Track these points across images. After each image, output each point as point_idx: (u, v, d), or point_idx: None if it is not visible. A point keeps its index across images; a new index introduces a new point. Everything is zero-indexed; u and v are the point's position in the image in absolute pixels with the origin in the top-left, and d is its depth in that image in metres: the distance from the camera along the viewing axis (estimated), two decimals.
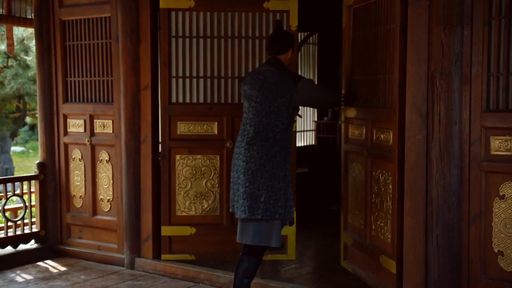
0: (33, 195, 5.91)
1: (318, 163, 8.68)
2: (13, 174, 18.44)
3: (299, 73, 5.99)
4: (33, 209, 6.19)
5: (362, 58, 4.64)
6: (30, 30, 13.58)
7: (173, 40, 5.17)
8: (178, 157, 5.22)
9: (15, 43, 9.17)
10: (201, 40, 5.22)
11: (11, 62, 16.14)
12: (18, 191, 5.79)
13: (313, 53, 9.12)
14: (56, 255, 5.74)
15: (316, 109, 8.94)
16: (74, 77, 5.69)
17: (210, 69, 5.25)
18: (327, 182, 8.73)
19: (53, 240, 5.83)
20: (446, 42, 3.72)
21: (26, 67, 16.00)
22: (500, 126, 3.64)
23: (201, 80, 5.25)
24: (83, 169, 5.68)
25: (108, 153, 5.52)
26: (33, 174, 5.84)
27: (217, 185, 5.27)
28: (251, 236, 4.11)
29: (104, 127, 5.53)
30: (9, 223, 5.76)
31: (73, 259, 5.62)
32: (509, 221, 3.66)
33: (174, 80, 5.20)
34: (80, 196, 5.71)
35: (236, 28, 5.24)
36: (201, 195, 5.26)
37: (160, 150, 5.33)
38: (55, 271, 5.32)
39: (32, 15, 5.97)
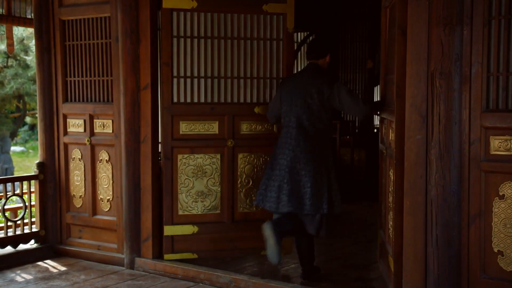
0: (33, 195, 5.91)
1: None
2: (13, 174, 18.45)
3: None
4: (33, 209, 6.19)
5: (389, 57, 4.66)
6: (30, 30, 13.58)
7: (175, 40, 5.18)
8: (180, 156, 5.23)
9: (15, 43, 9.16)
10: (202, 41, 5.23)
11: (11, 62, 16.15)
12: (18, 191, 5.80)
13: None
14: (56, 255, 5.74)
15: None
16: (74, 77, 5.69)
17: (211, 69, 5.26)
18: None
19: (53, 240, 5.83)
20: (446, 42, 3.72)
21: (26, 67, 16.00)
22: (500, 126, 3.64)
23: (202, 80, 5.26)
24: (83, 169, 5.68)
25: (108, 153, 5.52)
26: (33, 174, 5.84)
27: (218, 183, 5.30)
28: (312, 227, 4.63)
29: (104, 127, 5.53)
30: (9, 223, 5.77)
31: (73, 259, 5.62)
32: (509, 221, 3.66)
33: (175, 80, 5.21)
34: (80, 196, 5.72)
35: (236, 29, 5.26)
36: (203, 194, 5.28)
37: (160, 150, 5.34)
38: (55, 271, 5.32)
39: (32, 15, 5.97)
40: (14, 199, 7.63)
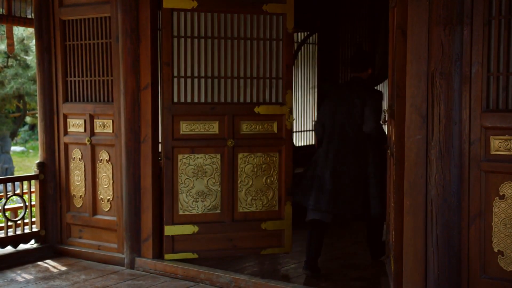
0: (33, 195, 5.92)
1: None
2: (13, 174, 18.45)
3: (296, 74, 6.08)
4: (33, 208, 6.19)
5: None
6: (30, 30, 13.57)
7: (175, 40, 5.18)
8: (180, 156, 5.24)
9: (15, 43, 9.16)
10: (203, 41, 5.23)
11: (11, 61, 16.14)
12: (18, 191, 5.79)
13: (313, 53, 9.12)
14: (56, 255, 5.74)
15: (317, 109, 8.98)
16: (74, 76, 5.70)
17: (211, 69, 5.26)
18: None
19: (53, 240, 5.83)
20: (446, 42, 3.72)
21: (26, 66, 16.00)
22: (500, 126, 3.64)
23: (203, 80, 5.26)
24: (83, 168, 5.68)
25: (108, 153, 5.52)
26: (33, 174, 5.84)
27: (218, 183, 5.30)
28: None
29: (104, 126, 5.54)
30: (9, 223, 5.77)
31: (73, 258, 5.63)
32: (509, 220, 3.66)
33: (176, 79, 5.21)
34: (80, 196, 5.72)
35: (236, 29, 5.27)
36: (203, 194, 5.29)
37: (160, 150, 5.34)
38: (55, 270, 5.32)
39: (32, 14, 5.97)
40: (14, 199, 7.63)
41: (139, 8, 5.17)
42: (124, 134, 5.26)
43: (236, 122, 5.30)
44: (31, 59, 15.05)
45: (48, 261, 5.61)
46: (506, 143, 3.64)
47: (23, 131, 26.09)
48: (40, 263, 5.55)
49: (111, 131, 5.49)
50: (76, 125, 5.70)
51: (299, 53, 8.91)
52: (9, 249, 5.61)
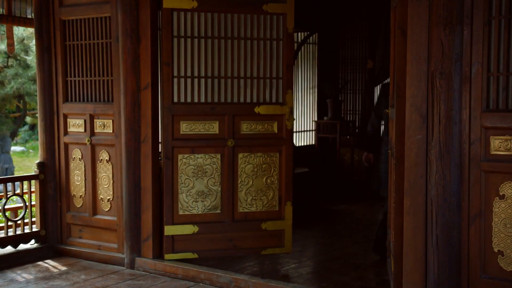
0: (33, 195, 5.92)
1: (318, 162, 8.69)
2: (13, 174, 18.44)
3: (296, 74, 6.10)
4: (33, 208, 6.19)
5: None
6: (30, 30, 13.57)
7: (175, 40, 5.18)
8: (180, 156, 5.24)
9: (15, 43, 9.16)
10: (203, 40, 5.23)
11: (11, 61, 16.13)
12: (18, 191, 5.79)
13: (313, 53, 9.13)
14: (56, 255, 5.74)
15: (317, 109, 9.01)
16: (74, 76, 5.70)
17: (211, 69, 5.26)
18: (327, 182, 8.74)
19: (53, 240, 5.83)
20: (446, 42, 3.72)
21: (26, 66, 15.99)
22: (500, 126, 3.64)
23: (203, 80, 5.26)
24: (83, 168, 5.68)
25: (108, 153, 5.53)
26: (33, 173, 5.84)
27: (218, 183, 5.30)
28: None
29: (104, 126, 5.54)
30: (9, 223, 5.77)
31: (73, 258, 5.63)
32: (509, 220, 3.66)
33: (176, 79, 5.22)
34: (80, 196, 5.72)
35: (236, 29, 5.27)
36: (203, 194, 5.29)
37: (160, 150, 5.34)
38: (55, 270, 5.32)
39: (32, 14, 5.97)
40: (15, 199, 7.63)
41: (139, 8, 5.17)
42: (124, 134, 5.27)
43: (236, 122, 5.30)
44: (31, 59, 15.04)
45: (48, 261, 5.61)
46: (506, 143, 3.64)
47: (23, 131, 26.09)
48: (40, 263, 5.55)
49: (111, 131, 5.49)
50: (76, 125, 5.71)
51: (299, 53, 8.92)
52: (9, 249, 5.61)
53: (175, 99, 5.22)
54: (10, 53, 10.25)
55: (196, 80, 5.26)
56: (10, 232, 5.67)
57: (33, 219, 5.95)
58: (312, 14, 8.62)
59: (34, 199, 5.92)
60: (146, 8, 5.15)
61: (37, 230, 5.81)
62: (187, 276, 5.02)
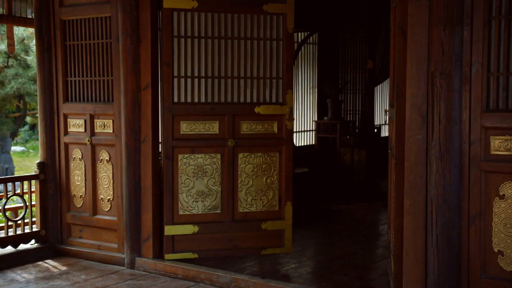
0: (33, 195, 5.92)
1: (318, 162, 8.69)
2: (13, 174, 18.44)
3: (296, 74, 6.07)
4: (34, 208, 6.19)
5: None
6: (31, 30, 13.57)
7: (175, 40, 5.18)
8: (180, 156, 5.24)
9: (15, 43, 9.16)
10: (203, 40, 5.24)
11: (11, 61, 16.13)
12: (18, 191, 5.80)
13: (313, 53, 9.13)
14: (56, 255, 5.74)
15: (317, 109, 9.03)
16: (75, 76, 5.70)
17: (211, 69, 5.27)
18: (327, 182, 8.74)
19: (53, 240, 5.84)
20: (446, 42, 3.72)
21: (27, 66, 15.99)
22: (500, 126, 3.64)
23: (203, 80, 5.27)
24: (83, 168, 5.68)
25: (109, 153, 5.53)
26: (34, 173, 5.84)
27: (218, 183, 5.30)
28: None
29: (104, 126, 5.54)
30: (10, 223, 5.77)
31: (74, 258, 5.63)
32: (509, 220, 3.66)
33: (176, 79, 5.22)
34: (81, 196, 5.72)
35: (236, 29, 5.27)
36: (203, 194, 5.29)
37: (160, 150, 5.34)
38: (55, 270, 5.32)
39: (33, 15, 5.97)
40: (15, 199, 7.63)
41: (139, 8, 5.17)
42: (124, 134, 5.27)
43: (236, 122, 5.31)
44: (32, 59, 15.05)
45: (48, 261, 5.61)
46: (506, 143, 3.64)
47: (23, 131, 26.09)
48: (40, 263, 5.55)
49: (111, 131, 5.49)
50: (76, 125, 5.71)
51: (299, 53, 8.92)
52: (9, 249, 5.61)
53: (175, 99, 5.23)
54: (10, 53, 10.26)
55: (196, 80, 5.26)
56: (10, 232, 5.67)
57: (33, 219, 5.95)
58: (312, 14, 8.62)
59: (34, 199, 5.92)
60: (146, 8, 5.15)
61: (37, 230, 5.81)
62: (187, 276, 5.02)
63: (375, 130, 8.81)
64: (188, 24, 5.21)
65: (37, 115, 6.73)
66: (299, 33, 8.83)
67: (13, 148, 22.02)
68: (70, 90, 5.74)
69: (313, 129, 9.15)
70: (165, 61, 5.16)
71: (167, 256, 5.25)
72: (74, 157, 5.74)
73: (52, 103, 5.79)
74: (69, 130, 5.77)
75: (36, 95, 6.13)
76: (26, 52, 15.76)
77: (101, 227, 5.61)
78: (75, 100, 5.72)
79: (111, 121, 5.47)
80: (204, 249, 5.32)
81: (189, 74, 5.24)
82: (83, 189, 5.70)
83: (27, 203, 5.75)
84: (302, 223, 6.82)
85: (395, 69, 4.19)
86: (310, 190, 7.81)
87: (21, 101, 19.15)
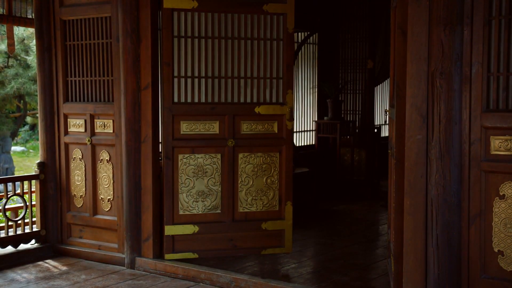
0: (33, 195, 5.92)
1: (318, 162, 8.69)
2: (13, 174, 18.44)
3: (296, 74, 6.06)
4: (34, 208, 6.19)
5: None
6: (31, 30, 13.57)
7: (176, 40, 5.19)
8: (180, 156, 5.24)
9: (15, 43, 9.17)
10: (203, 40, 5.24)
11: (11, 61, 16.13)
12: (18, 191, 5.80)
13: (313, 53, 9.13)
14: (56, 255, 5.75)
15: (317, 109, 9.03)
16: (75, 76, 5.70)
17: (211, 69, 5.27)
18: (327, 182, 8.74)
19: (53, 240, 5.84)
20: (446, 42, 3.72)
21: (27, 67, 15.99)
22: (500, 126, 3.64)
23: (203, 80, 5.27)
24: (83, 168, 5.68)
25: (109, 153, 5.53)
26: (34, 173, 5.84)
27: (218, 183, 5.31)
28: None
29: (104, 126, 5.54)
30: (10, 223, 5.77)
31: (74, 258, 5.63)
32: (509, 220, 3.67)
33: (176, 79, 5.22)
34: (81, 196, 5.72)
35: (236, 29, 5.27)
36: (203, 194, 5.29)
37: (160, 150, 5.34)
38: (55, 270, 5.32)
39: (33, 15, 5.97)
40: (15, 199, 7.63)
41: (139, 8, 5.17)
42: (125, 134, 5.27)
43: (237, 122, 5.31)
44: (32, 59, 15.04)
45: (48, 261, 5.61)
46: (506, 143, 3.64)
47: (23, 131, 26.08)
48: (40, 263, 5.55)
49: (111, 131, 5.49)
50: (76, 125, 5.71)
51: (299, 53, 8.92)
52: (9, 249, 5.61)
53: (176, 99, 5.23)
54: (10, 53, 10.26)
55: (196, 80, 5.26)
56: (11, 232, 5.67)
57: (34, 219, 5.95)
58: (312, 14, 8.62)
59: (34, 199, 5.92)
60: (147, 8, 5.15)
61: (37, 230, 5.81)
62: (187, 276, 5.02)
63: (375, 130, 8.82)
64: (188, 24, 5.22)
65: (37, 115, 6.72)
66: (299, 33, 8.83)
67: (13, 148, 22.02)
68: (70, 90, 5.74)
69: (313, 129, 9.15)
70: (165, 61, 5.17)
71: (167, 256, 5.25)
72: (74, 157, 5.74)
73: (52, 103, 5.80)
74: (69, 130, 5.77)
75: (36, 95, 6.13)
76: (26, 52, 15.76)
77: (101, 227, 5.62)
78: (75, 100, 5.72)
79: (111, 121, 5.47)
80: (204, 249, 5.33)
81: (189, 74, 5.25)
82: (83, 189, 5.70)
83: (27, 203, 5.75)
84: (302, 223, 6.82)
85: (395, 69, 4.19)
86: (310, 190, 7.81)
87: (21, 101, 19.15)
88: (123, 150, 5.30)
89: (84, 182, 5.69)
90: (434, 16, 3.77)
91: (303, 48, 8.96)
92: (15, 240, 5.64)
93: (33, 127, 25.09)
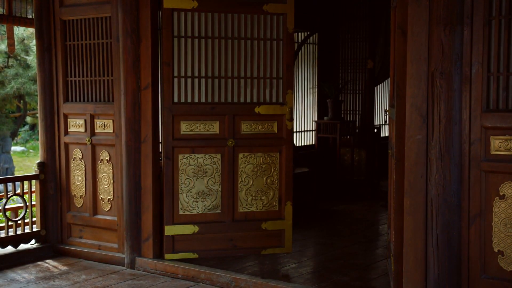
0: (33, 195, 5.92)
1: (318, 162, 8.70)
2: (13, 174, 18.45)
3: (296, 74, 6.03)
4: (34, 208, 6.19)
5: None
6: (31, 30, 13.57)
7: (176, 40, 5.19)
8: (180, 156, 5.25)
9: (15, 43, 9.17)
10: (203, 41, 5.24)
11: (11, 61, 16.13)
12: (18, 191, 5.80)
13: (313, 53, 9.13)
14: (56, 255, 5.75)
15: (317, 109, 9.02)
16: (75, 76, 5.70)
17: (211, 69, 5.27)
18: (327, 182, 8.74)
19: (53, 240, 5.84)
20: (446, 42, 3.72)
21: (27, 66, 15.99)
22: (500, 126, 3.64)
23: (203, 80, 5.27)
24: (83, 168, 5.68)
25: (109, 153, 5.53)
26: (34, 173, 5.84)
27: (218, 183, 5.31)
28: None
29: (104, 126, 5.54)
30: (10, 223, 5.77)
31: (74, 258, 5.63)
32: (509, 220, 3.67)
33: (176, 79, 5.22)
34: (81, 196, 5.72)
35: (236, 29, 5.27)
36: (203, 194, 5.29)
37: (160, 150, 5.35)
38: (55, 270, 5.32)
39: (33, 15, 5.97)
40: (15, 199, 7.63)
41: (139, 8, 5.17)
42: (125, 134, 5.27)
43: (237, 122, 5.31)
44: (32, 59, 15.05)
45: (48, 261, 5.61)
46: (506, 143, 3.64)
47: (23, 131, 26.09)
48: (40, 263, 5.55)
49: (111, 131, 5.49)
50: (76, 125, 5.71)
51: (299, 53, 8.92)
52: (9, 249, 5.61)
53: (176, 99, 5.23)
54: (10, 53, 10.26)
55: (196, 80, 5.26)
56: (11, 232, 5.67)
57: (34, 219, 5.95)
58: (312, 14, 8.62)
59: (34, 199, 5.92)
60: (147, 8, 5.15)
61: (37, 230, 5.81)
62: (187, 276, 5.02)
63: (375, 130, 8.82)
64: (188, 24, 5.22)
65: (37, 115, 6.73)
66: (299, 33, 8.83)
67: (13, 148, 22.02)
68: (70, 90, 5.74)
69: (313, 129, 9.15)
70: (165, 61, 5.17)
71: (167, 256, 5.25)
72: (74, 157, 5.75)
73: (52, 103, 5.80)
74: (69, 130, 5.77)
75: (36, 95, 6.14)
76: (26, 52, 15.76)
77: (101, 227, 5.62)
78: (75, 100, 5.72)
79: (111, 121, 5.47)
80: (204, 249, 5.33)
81: (189, 74, 5.25)
82: (83, 189, 5.70)
83: (27, 203, 5.75)
84: (302, 223, 6.82)
85: (395, 69, 4.19)
86: (310, 190, 7.81)
87: (21, 101, 19.15)
88: (123, 150, 5.30)
89: (84, 182, 5.69)
90: (434, 16, 3.77)
91: (303, 48, 8.97)
92: (15, 240, 5.64)
93: (33, 127, 25.10)
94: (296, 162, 7.56)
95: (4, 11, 6.39)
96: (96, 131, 5.60)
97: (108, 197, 5.56)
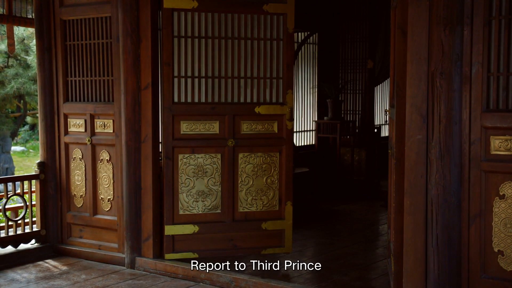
0: (33, 195, 5.92)
1: (318, 162, 8.70)
2: (13, 174, 18.44)
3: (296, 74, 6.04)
4: (34, 208, 6.19)
5: None
6: (31, 30, 13.56)
7: (176, 40, 5.19)
8: (180, 156, 5.25)
9: (15, 43, 9.17)
10: (203, 40, 5.24)
11: (11, 61, 16.13)
12: (18, 191, 5.80)
13: (313, 53, 9.13)
14: (56, 255, 5.75)
15: (317, 109, 9.03)
16: (75, 76, 5.70)
17: (211, 69, 5.27)
18: (327, 182, 8.75)
19: (53, 240, 5.84)
20: (446, 42, 3.72)
21: (27, 66, 15.98)
22: (500, 126, 3.65)
23: (203, 80, 5.27)
24: (83, 168, 5.68)
25: (109, 153, 5.53)
26: (34, 173, 5.84)
27: (218, 183, 5.31)
28: None
29: (104, 126, 5.54)
30: (10, 223, 5.78)
31: (74, 258, 5.63)
32: (509, 220, 3.67)
33: (176, 79, 5.22)
34: (81, 196, 5.72)
35: (236, 29, 5.27)
36: (203, 194, 5.29)
37: (160, 150, 5.35)
38: (55, 270, 5.33)
39: (33, 14, 5.97)
40: (15, 199, 7.63)
41: (139, 8, 5.17)
42: (125, 134, 5.27)
43: (237, 122, 5.31)
44: (32, 59, 15.04)
45: (48, 260, 5.61)
46: (506, 143, 3.64)
47: (23, 131, 26.08)
48: (40, 262, 5.56)
49: (111, 131, 5.49)
50: (76, 125, 5.71)
51: (299, 53, 8.92)
52: (9, 248, 5.61)
53: (176, 99, 5.23)
54: (10, 53, 10.27)
55: (196, 80, 5.27)
56: (11, 232, 5.68)
57: (34, 219, 5.95)
58: (312, 14, 8.62)
59: (34, 199, 5.92)
60: (147, 8, 5.16)
61: (37, 230, 5.82)
62: (187, 276, 5.02)
63: (375, 130, 8.82)
64: (188, 24, 5.22)
65: (37, 115, 6.73)
66: (299, 33, 8.83)
67: (13, 148, 22.02)
68: (71, 90, 5.74)
69: (313, 129, 9.15)
70: (165, 61, 5.17)
71: (167, 256, 5.25)
72: (74, 157, 5.75)
73: (52, 103, 5.80)
74: (69, 130, 5.77)
75: (36, 95, 6.14)
76: (26, 52, 15.76)
77: (101, 227, 5.62)
78: (76, 100, 5.72)
79: (111, 121, 5.47)
80: (204, 249, 5.33)
81: (189, 74, 5.25)
82: (83, 189, 5.70)
83: (27, 203, 5.75)
84: (302, 223, 6.82)
85: (395, 69, 4.19)
86: (310, 190, 7.81)
87: (21, 101, 19.15)
88: (123, 150, 5.30)
89: (84, 182, 5.69)
90: (434, 16, 3.77)
91: (303, 48, 8.97)
92: (15, 240, 5.64)
93: (33, 127, 25.09)
94: (296, 162, 7.57)
95: (4, 11, 6.39)
96: (96, 131, 5.60)
97: (108, 197, 5.56)
